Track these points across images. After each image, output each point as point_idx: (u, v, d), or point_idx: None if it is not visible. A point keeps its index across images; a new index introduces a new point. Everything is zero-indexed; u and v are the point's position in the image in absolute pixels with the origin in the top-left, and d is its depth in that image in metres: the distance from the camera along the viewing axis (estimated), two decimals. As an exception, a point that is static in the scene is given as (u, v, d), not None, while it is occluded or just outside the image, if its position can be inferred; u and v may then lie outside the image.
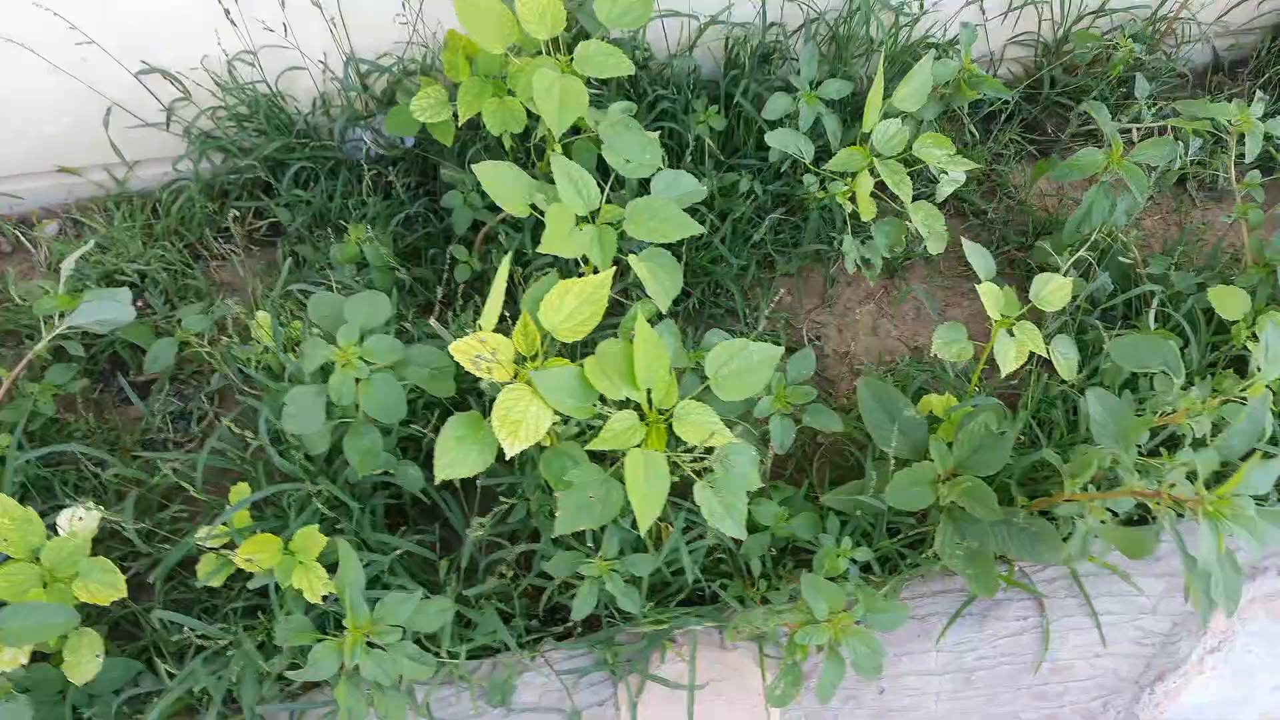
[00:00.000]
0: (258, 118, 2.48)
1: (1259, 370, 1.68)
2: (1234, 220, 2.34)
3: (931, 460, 1.87)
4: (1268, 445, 2.01)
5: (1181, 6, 2.74)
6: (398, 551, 1.90)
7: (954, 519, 1.88)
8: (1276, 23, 3.00)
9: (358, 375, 1.67)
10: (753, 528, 1.98)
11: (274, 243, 2.60)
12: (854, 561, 1.91)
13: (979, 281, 1.88)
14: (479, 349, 1.59)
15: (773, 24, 2.60)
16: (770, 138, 2.11)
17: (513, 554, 1.91)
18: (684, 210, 1.91)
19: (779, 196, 2.61)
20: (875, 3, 2.59)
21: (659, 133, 2.17)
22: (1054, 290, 1.88)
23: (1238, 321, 2.16)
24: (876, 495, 1.86)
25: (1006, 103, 2.90)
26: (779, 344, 2.47)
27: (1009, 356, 1.81)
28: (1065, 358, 1.90)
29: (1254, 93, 3.01)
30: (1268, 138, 2.31)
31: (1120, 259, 2.42)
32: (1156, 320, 2.23)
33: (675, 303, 2.55)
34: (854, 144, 2.15)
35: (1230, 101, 2.99)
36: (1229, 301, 2.14)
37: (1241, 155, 2.62)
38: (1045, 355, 1.86)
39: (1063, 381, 2.29)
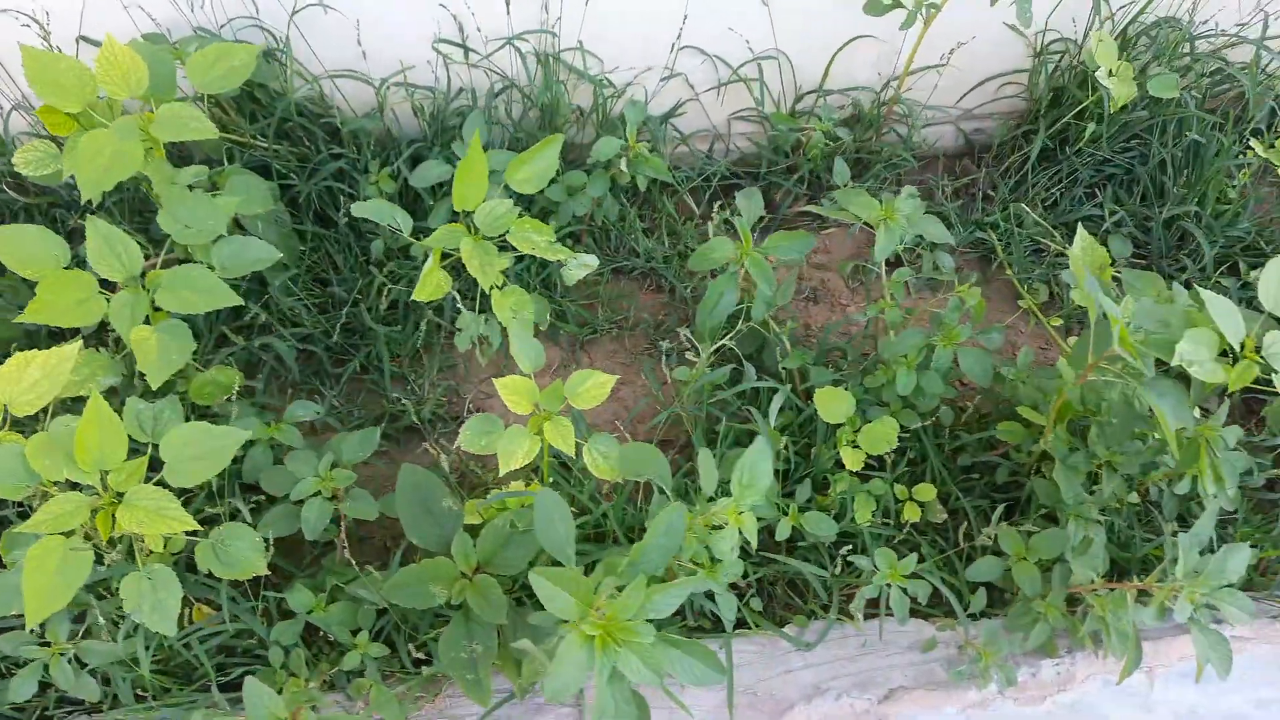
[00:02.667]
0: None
1: (734, 493, 1.60)
2: (870, 318, 2.26)
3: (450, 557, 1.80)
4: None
5: (899, 91, 2.68)
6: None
7: (468, 619, 1.81)
8: (1023, 108, 2.92)
9: None
10: (287, 614, 1.93)
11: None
12: (374, 659, 1.84)
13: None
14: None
15: (461, 90, 2.57)
16: (357, 208, 2.06)
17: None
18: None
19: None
20: (570, 75, 2.55)
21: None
22: (591, 388, 1.81)
23: (843, 425, 2.08)
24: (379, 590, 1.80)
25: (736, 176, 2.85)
26: (429, 415, 2.43)
27: (514, 455, 1.74)
28: (604, 457, 1.83)
29: (992, 180, 2.93)
30: (920, 240, 2.24)
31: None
32: (779, 416, 2.16)
33: (338, 364, 2.52)
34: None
35: (955, 189, 2.94)
36: (831, 404, 2.06)
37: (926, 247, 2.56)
38: (573, 454, 1.80)
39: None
